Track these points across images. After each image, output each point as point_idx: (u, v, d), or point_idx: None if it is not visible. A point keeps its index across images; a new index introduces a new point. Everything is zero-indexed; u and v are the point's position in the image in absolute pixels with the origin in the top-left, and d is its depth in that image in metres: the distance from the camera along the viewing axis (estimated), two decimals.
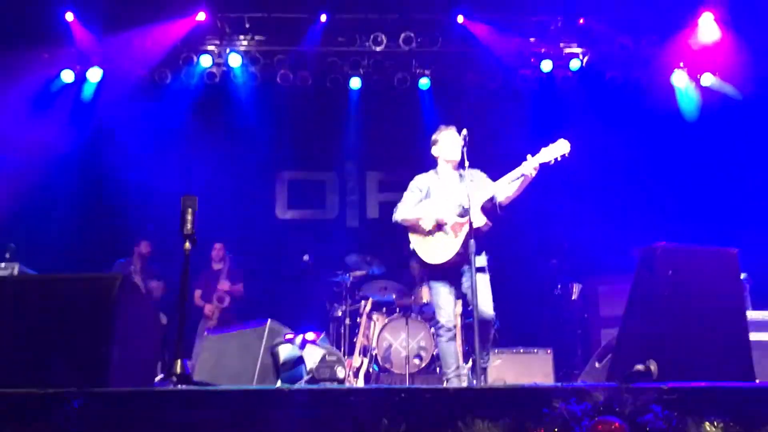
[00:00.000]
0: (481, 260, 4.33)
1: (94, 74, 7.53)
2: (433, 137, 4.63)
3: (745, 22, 7.10)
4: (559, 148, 4.11)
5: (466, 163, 4.23)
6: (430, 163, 4.72)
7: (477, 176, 4.43)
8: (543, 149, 4.14)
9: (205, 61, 7.56)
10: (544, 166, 4.13)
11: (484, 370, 4.19)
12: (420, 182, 4.60)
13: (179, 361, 3.37)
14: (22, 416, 2.41)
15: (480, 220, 4.17)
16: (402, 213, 4.51)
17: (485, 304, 4.19)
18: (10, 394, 2.46)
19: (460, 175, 4.21)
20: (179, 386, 3.31)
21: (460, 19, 7.38)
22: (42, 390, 2.46)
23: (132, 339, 3.11)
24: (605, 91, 7.70)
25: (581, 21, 7.47)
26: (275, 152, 7.96)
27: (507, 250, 4.52)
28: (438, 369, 6.05)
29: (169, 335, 3.66)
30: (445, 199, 4.41)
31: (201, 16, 7.30)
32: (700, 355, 3.08)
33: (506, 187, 4.28)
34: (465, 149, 4.23)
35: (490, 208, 4.40)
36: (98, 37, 7.36)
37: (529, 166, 4.11)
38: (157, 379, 3.42)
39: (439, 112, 7.74)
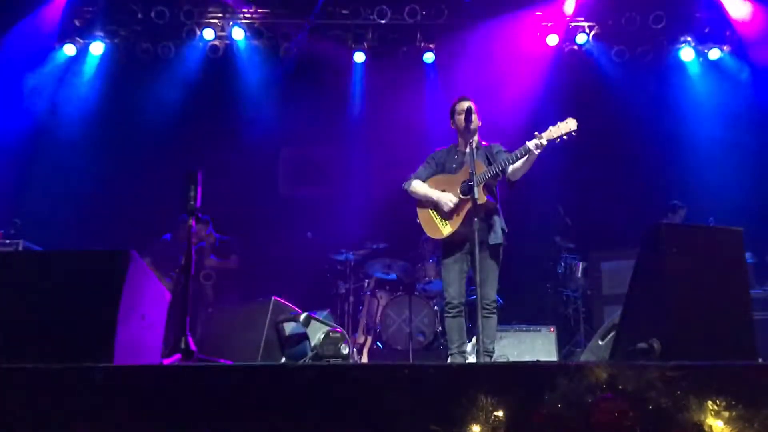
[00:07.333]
0: (494, 238, 4.32)
1: (97, 48, 7.48)
2: (450, 110, 4.60)
3: None
4: (567, 126, 4.07)
5: (475, 138, 4.20)
6: (435, 139, 4.70)
7: (494, 151, 4.41)
8: (551, 127, 4.10)
9: (208, 34, 7.49)
10: (550, 143, 4.09)
11: (487, 349, 4.20)
12: (435, 155, 4.63)
13: (184, 337, 3.39)
14: (27, 391, 2.43)
15: (482, 197, 4.14)
16: (411, 184, 4.55)
17: (485, 286, 4.19)
18: (14, 369, 2.48)
19: (474, 149, 4.20)
20: (184, 362, 3.33)
21: None
22: (45, 365, 2.47)
23: (138, 315, 3.12)
24: (612, 65, 7.61)
25: None
26: (278, 128, 7.92)
27: (510, 227, 4.51)
28: (441, 346, 6.09)
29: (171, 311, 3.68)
30: (454, 173, 4.40)
31: None
32: (704, 333, 3.08)
33: (513, 164, 4.25)
34: (472, 120, 4.21)
35: (500, 184, 4.39)
36: (100, 10, 7.30)
37: (535, 144, 4.07)
38: (162, 354, 3.44)
39: (444, 86, 7.68)
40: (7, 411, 2.37)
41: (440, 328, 6.13)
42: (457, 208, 4.32)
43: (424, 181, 4.53)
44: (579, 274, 6.87)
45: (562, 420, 2.25)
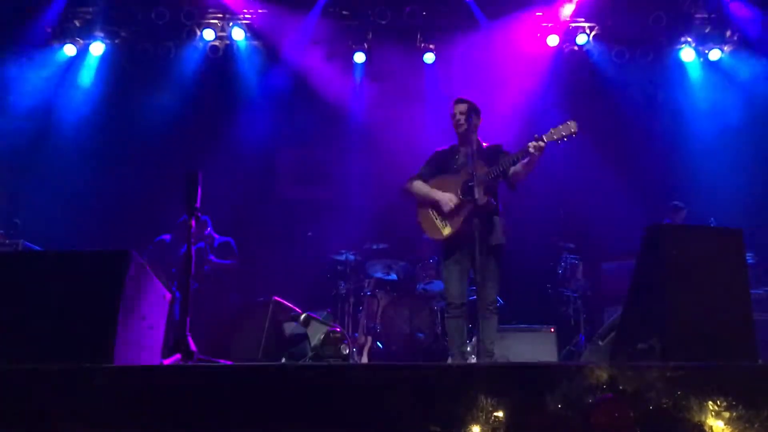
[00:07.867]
0: (495, 239, 4.31)
1: (97, 48, 7.48)
2: (450, 111, 4.59)
3: None
4: (568, 128, 4.07)
5: (475, 139, 4.20)
6: (435, 139, 4.69)
7: (495, 152, 4.40)
8: (551, 129, 4.10)
9: (208, 34, 7.49)
10: (551, 145, 4.09)
11: (488, 349, 4.19)
12: (436, 156, 4.61)
13: (184, 337, 3.39)
14: (27, 391, 2.43)
15: (482, 198, 4.14)
16: (413, 184, 4.54)
17: (486, 287, 4.19)
18: (14, 369, 2.48)
19: (475, 150, 4.19)
20: (184, 362, 3.33)
21: None
22: (45, 365, 2.47)
23: (138, 315, 3.12)
24: (612, 66, 7.61)
25: None
26: (278, 128, 7.91)
27: (510, 227, 4.50)
28: (441, 347, 6.08)
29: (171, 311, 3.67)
30: (455, 174, 4.40)
31: None
32: (704, 333, 3.08)
33: (513, 166, 4.25)
34: (472, 122, 4.21)
35: (501, 185, 4.39)
36: (100, 10, 7.30)
37: (534, 146, 4.07)
38: (162, 355, 3.44)
39: (444, 86, 7.67)
40: (7, 411, 2.37)
41: (440, 329, 6.13)
42: (457, 208, 4.32)
43: (425, 182, 4.52)
44: (579, 275, 6.86)
45: (562, 420, 2.25)
